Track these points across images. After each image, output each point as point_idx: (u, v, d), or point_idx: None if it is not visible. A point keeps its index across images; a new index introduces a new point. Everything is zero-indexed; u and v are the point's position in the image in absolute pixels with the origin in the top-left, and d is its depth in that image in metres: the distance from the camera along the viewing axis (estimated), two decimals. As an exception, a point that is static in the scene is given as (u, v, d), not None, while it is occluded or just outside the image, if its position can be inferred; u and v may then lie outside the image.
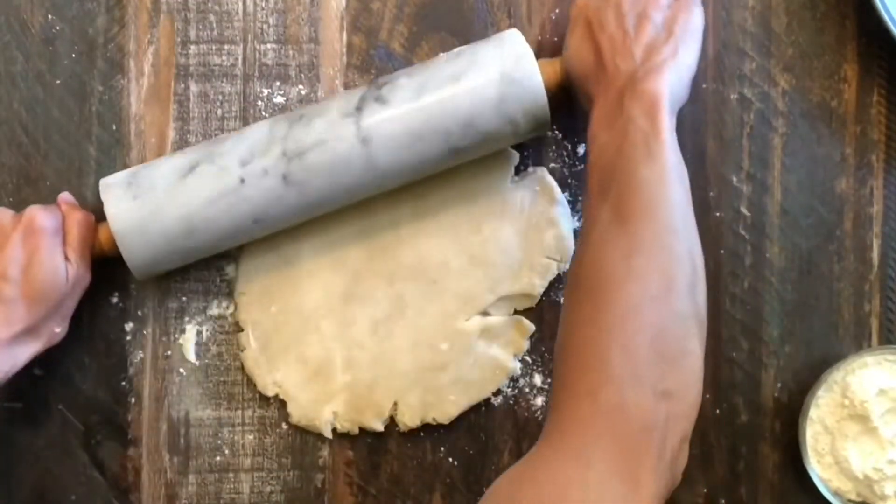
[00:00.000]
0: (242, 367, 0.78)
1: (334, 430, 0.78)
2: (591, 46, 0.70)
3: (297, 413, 0.78)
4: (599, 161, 0.67)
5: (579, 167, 0.78)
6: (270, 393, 0.78)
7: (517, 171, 0.78)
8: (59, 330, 0.73)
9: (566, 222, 0.78)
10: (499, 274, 0.78)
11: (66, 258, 0.71)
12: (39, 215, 0.71)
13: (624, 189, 0.65)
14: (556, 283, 0.78)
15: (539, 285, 0.78)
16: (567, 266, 0.78)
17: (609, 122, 0.67)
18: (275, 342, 0.78)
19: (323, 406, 0.77)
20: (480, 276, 0.78)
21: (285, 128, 0.72)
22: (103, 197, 0.72)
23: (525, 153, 0.78)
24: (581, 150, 0.78)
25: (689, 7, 0.71)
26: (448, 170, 0.75)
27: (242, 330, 0.78)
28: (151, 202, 0.71)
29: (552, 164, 0.78)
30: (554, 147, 0.79)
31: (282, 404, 0.78)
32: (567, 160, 0.78)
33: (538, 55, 0.75)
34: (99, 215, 0.73)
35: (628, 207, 0.64)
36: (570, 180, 0.78)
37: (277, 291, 0.78)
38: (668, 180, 0.65)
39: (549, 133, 0.78)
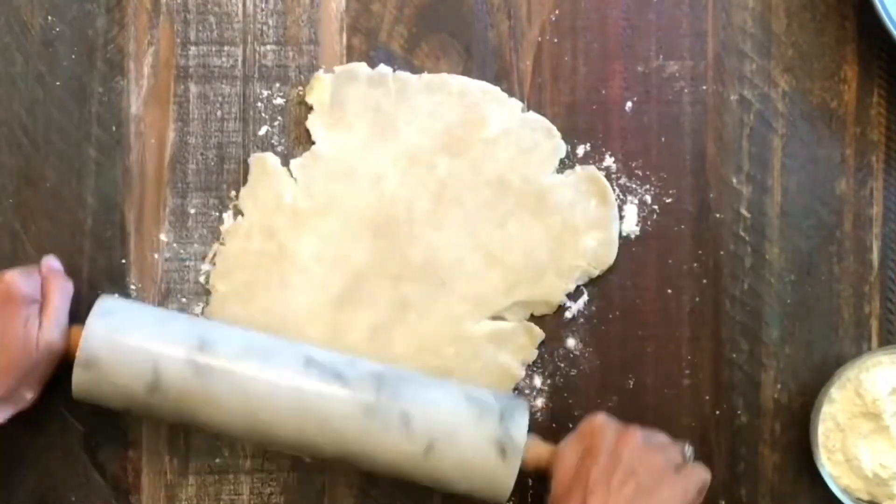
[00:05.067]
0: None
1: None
2: (577, 465, 0.69)
3: None
4: None
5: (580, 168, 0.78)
6: None
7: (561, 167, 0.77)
8: (30, 396, 0.71)
9: (616, 226, 0.76)
10: (518, 277, 0.75)
11: (41, 325, 0.69)
12: (16, 282, 0.70)
13: None
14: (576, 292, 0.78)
15: (563, 292, 0.76)
16: (598, 273, 0.76)
17: None
18: None
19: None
20: (496, 278, 0.75)
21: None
22: (92, 312, 0.71)
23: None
24: (581, 150, 0.78)
25: (689, 477, 0.69)
26: (478, 156, 0.73)
27: None
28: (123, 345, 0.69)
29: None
30: (554, 148, 0.78)
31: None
32: (567, 161, 0.78)
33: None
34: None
35: None
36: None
37: (262, 287, 0.75)
38: None
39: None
